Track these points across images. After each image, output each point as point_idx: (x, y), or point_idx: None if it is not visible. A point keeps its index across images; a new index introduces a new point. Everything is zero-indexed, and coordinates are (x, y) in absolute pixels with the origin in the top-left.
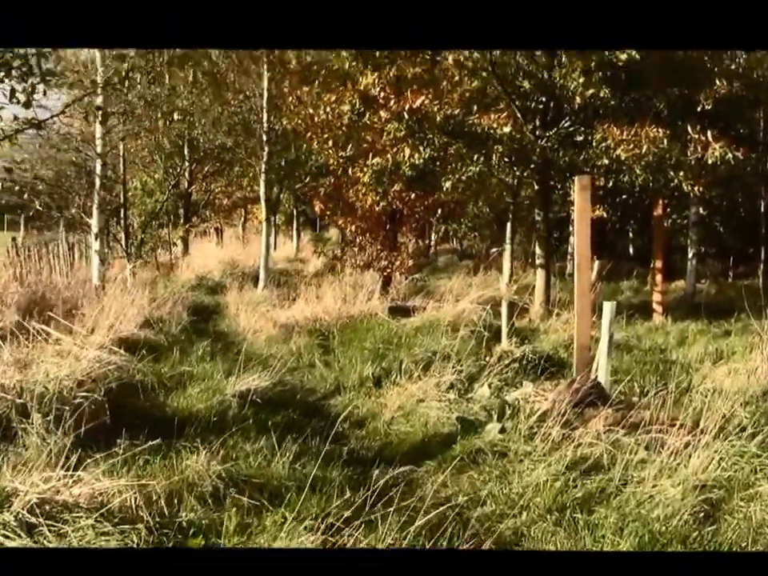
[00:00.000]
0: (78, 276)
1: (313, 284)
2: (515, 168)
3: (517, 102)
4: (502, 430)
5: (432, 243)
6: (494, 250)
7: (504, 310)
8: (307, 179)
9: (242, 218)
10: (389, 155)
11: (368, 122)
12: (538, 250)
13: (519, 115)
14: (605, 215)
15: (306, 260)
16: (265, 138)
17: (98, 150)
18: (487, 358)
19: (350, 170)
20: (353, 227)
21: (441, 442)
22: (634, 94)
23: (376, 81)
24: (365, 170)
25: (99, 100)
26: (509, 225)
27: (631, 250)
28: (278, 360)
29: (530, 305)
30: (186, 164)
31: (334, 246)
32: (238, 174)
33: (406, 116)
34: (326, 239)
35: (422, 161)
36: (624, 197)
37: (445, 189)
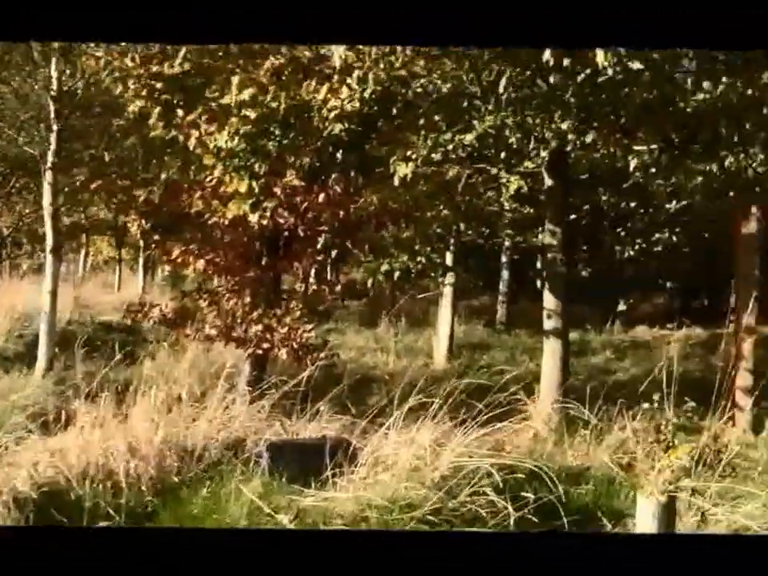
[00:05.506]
0: None
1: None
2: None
3: None
4: None
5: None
6: (426, 294)
7: None
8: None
9: (85, 251)
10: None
11: None
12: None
13: None
14: None
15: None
16: (53, 114)
17: None
18: None
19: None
20: (198, 263)
21: None
22: None
23: None
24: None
25: None
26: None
27: None
28: None
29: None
30: None
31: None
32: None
33: None
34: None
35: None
36: None
37: (397, 178)
